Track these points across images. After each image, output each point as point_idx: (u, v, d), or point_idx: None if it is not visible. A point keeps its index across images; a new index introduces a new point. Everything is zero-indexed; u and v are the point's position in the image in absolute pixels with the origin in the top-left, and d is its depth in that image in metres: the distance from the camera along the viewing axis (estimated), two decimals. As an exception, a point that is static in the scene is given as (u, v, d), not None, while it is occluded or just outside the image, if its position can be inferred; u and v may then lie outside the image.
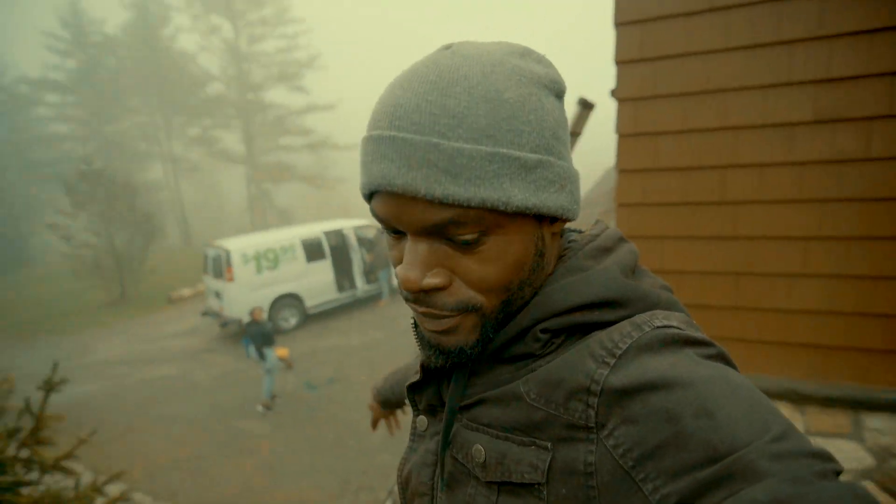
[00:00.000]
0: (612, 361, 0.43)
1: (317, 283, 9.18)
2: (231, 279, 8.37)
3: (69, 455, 2.92)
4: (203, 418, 6.11)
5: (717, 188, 2.29)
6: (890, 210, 2.01)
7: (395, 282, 10.19)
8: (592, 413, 0.43)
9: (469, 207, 0.44)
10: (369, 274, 10.07)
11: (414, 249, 0.47)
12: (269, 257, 8.78)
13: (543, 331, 0.49)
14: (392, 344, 7.88)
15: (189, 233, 27.22)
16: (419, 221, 0.45)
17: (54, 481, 3.48)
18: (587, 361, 0.44)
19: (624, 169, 2.49)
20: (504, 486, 0.48)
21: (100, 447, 5.28)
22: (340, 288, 9.67)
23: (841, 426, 2.14)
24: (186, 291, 13.64)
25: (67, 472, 2.96)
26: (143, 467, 5.04)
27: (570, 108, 3.58)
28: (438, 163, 0.43)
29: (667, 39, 2.29)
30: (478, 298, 0.49)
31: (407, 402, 0.66)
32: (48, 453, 3.05)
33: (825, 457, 0.36)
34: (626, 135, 2.46)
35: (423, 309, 0.49)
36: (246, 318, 8.18)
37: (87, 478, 4.18)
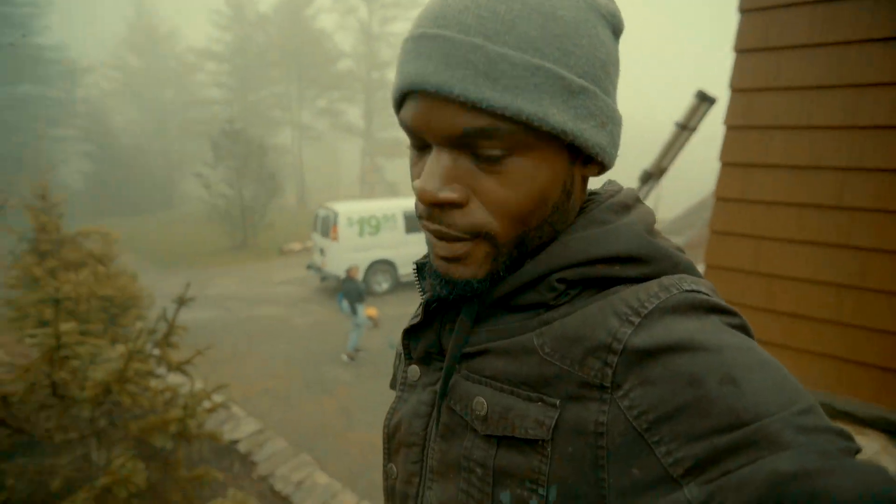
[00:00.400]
0: (637, 320, 0.42)
1: (412, 253, 9.61)
2: (335, 238, 9.08)
3: (188, 361, 3.47)
4: (295, 358, 6.77)
5: (833, 192, 2.12)
6: None
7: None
8: (610, 372, 0.41)
9: (503, 118, 0.42)
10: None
11: (436, 160, 0.45)
12: (372, 223, 9.37)
13: (560, 280, 0.47)
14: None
15: (304, 195, 29.53)
16: (449, 128, 0.43)
17: (175, 381, 4.11)
18: (610, 319, 0.43)
19: (727, 162, 2.38)
20: (504, 441, 0.47)
21: (210, 364, 6.08)
22: (434, 261, 10.07)
23: None
24: (296, 245, 15.01)
25: (185, 374, 3.52)
26: (241, 388, 5.74)
27: (686, 100, 3.42)
28: (479, 64, 0.41)
29: (793, 28, 2.13)
30: (493, 224, 0.46)
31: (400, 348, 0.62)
32: (173, 356, 3.64)
33: (848, 436, 0.36)
34: (735, 126, 2.34)
35: (434, 227, 0.47)
36: (343, 276, 8.87)
37: (198, 384, 4.90)
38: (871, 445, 1.95)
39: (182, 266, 13.56)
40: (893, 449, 1.99)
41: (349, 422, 5.12)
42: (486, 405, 0.48)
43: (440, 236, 0.47)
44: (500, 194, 0.45)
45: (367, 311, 6.75)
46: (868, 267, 2.04)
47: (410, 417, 0.57)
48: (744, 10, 2.27)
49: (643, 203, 0.54)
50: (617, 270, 0.46)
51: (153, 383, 3.52)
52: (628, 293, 0.44)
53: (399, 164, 30.79)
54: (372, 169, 29.78)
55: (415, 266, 0.59)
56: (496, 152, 0.43)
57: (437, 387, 0.54)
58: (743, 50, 2.29)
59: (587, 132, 0.45)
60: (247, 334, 7.74)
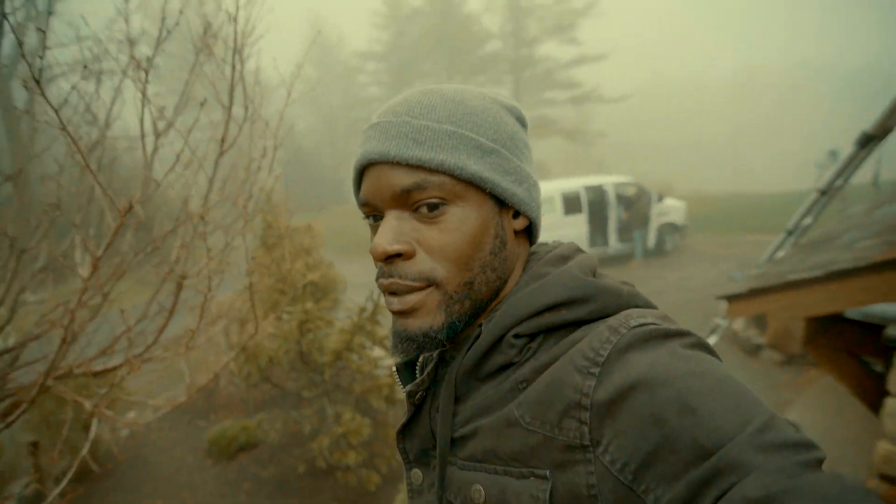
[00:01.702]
0: (597, 371, 0.44)
1: (570, 235, 9.53)
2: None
3: (386, 337, 4.10)
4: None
5: None
6: None
7: (650, 242, 9.89)
8: (587, 430, 0.43)
9: (431, 171, 0.51)
10: (623, 232, 9.97)
11: (386, 223, 0.53)
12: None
13: (516, 336, 0.51)
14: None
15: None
16: (392, 186, 0.52)
17: (377, 354, 4.88)
18: (573, 375, 0.45)
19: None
20: None
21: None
22: (593, 243, 9.88)
23: None
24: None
25: (385, 348, 4.16)
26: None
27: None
28: (409, 134, 0.52)
29: None
30: (439, 270, 0.52)
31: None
32: (378, 332, 4.31)
33: (809, 446, 0.37)
34: None
35: (388, 281, 0.53)
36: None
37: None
38: None
39: (357, 255, 15.40)
40: None
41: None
42: (483, 492, 0.50)
43: (393, 291, 0.53)
44: (441, 240, 0.52)
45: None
46: None
47: None
48: None
49: (582, 252, 0.60)
50: (564, 315, 0.50)
51: (356, 357, 4.23)
52: (584, 344, 0.47)
53: (548, 143, 30.27)
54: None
55: (394, 367, 0.64)
56: (433, 201, 0.52)
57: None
58: None
59: (504, 183, 0.54)
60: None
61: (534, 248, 0.62)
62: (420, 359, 0.61)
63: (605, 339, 0.46)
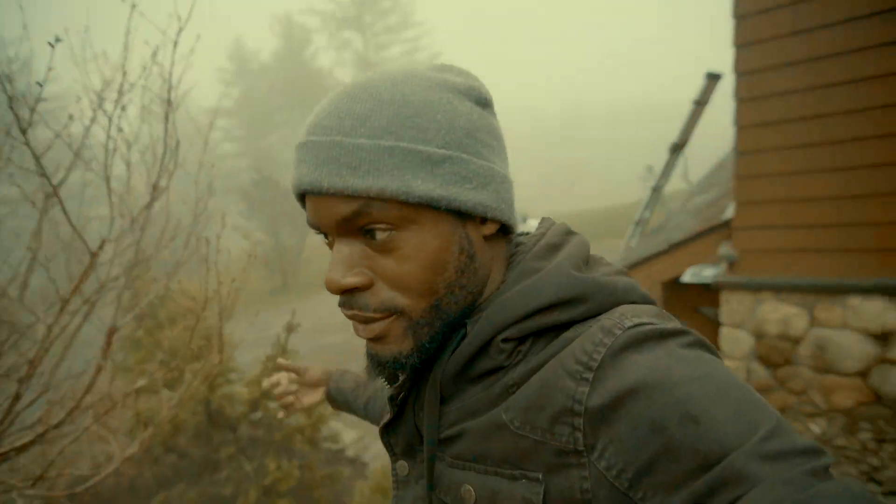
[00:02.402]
0: (590, 376, 0.42)
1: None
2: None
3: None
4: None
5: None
6: None
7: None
8: (580, 436, 0.41)
9: (370, 198, 0.45)
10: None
11: (337, 251, 0.48)
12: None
13: (505, 340, 0.48)
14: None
15: (328, 229, 30.47)
16: (332, 216, 0.46)
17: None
18: (565, 380, 0.43)
19: (743, 125, 2.89)
20: None
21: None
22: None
23: None
24: (338, 277, 15.74)
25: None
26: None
27: (699, 80, 3.97)
28: (340, 158, 0.44)
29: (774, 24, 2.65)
30: (400, 300, 0.48)
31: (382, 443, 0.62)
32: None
33: (816, 452, 0.35)
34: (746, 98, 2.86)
35: (349, 312, 0.49)
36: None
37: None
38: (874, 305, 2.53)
39: (236, 312, 14.38)
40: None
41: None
42: (473, 492, 0.48)
43: (357, 320, 0.49)
44: (397, 271, 0.47)
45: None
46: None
47: None
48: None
49: (574, 234, 0.55)
50: (556, 316, 0.47)
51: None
52: (576, 346, 0.44)
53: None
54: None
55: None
56: (382, 228, 0.46)
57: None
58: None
59: (462, 195, 0.47)
60: (321, 361, 8.35)
61: (519, 238, 0.57)
62: None
63: (598, 341, 0.43)
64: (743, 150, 2.90)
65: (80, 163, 1.73)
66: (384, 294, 0.48)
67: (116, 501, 4.59)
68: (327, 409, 4.15)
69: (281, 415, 1.03)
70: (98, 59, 1.61)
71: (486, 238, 0.52)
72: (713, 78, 3.95)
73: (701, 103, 4.02)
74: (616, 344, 0.42)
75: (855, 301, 2.59)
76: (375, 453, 4.83)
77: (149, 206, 1.82)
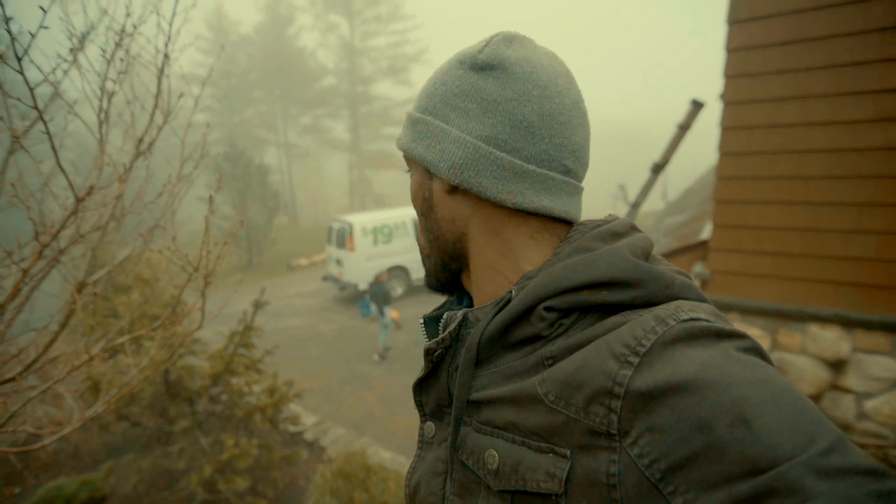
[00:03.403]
0: (636, 361, 0.41)
1: (422, 258, 10.12)
2: (352, 249, 9.60)
3: (261, 360, 3.98)
4: (329, 360, 7.26)
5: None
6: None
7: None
8: (615, 418, 0.40)
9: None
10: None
11: None
12: (385, 232, 9.91)
13: (548, 309, 0.47)
14: (488, 317, 8.63)
15: (295, 213, 29.92)
16: None
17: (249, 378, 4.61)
18: (608, 362, 0.42)
19: (725, 152, 3.02)
20: (518, 496, 0.47)
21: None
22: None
23: (879, 345, 2.65)
24: (303, 261, 15.48)
25: (259, 371, 4.02)
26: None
27: (685, 107, 4.12)
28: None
29: (765, 60, 2.80)
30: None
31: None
32: (254, 354, 4.11)
33: (882, 474, 0.32)
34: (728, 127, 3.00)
35: None
36: (362, 285, 9.39)
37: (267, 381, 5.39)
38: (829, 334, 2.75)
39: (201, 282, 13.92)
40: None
41: (391, 409, 5.64)
42: (497, 458, 0.48)
43: None
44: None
45: (391, 313, 7.28)
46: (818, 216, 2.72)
47: (429, 476, 0.57)
48: (729, 50, 2.94)
49: (638, 231, 0.55)
50: (604, 296, 0.46)
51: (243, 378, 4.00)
52: (624, 330, 0.43)
53: (386, 175, 31.37)
54: (360, 182, 30.31)
55: (422, 320, 0.63)
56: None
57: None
58: (730, 76, 2.93)
59: (416, 150, 0.57)
60: (278, 343, 8.20)
61: (582, 221, 0.58)
62: (444, 315, 0.59)
63: (650, 328, 0.42)
64: (723, 175, 3.04)
65: (63, 107, 1.65)
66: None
67: (59, 466, 4.39)
68: (290, 389, 4.10)
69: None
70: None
71: (451, 194, 0.57)
72: (697, 105, 4.11)
73: (683, 128, 4.18)
74: (669, 334, 0.41)
75: (814, 328, 2.78)
76: (334, 438, 4.80)
77: (136, 158, 1.75)
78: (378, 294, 7.07)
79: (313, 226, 25.95)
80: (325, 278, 10.70)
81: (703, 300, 0.49)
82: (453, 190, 0.56)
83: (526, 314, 0.49)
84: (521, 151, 0.53)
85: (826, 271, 2.76)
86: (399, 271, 10.10)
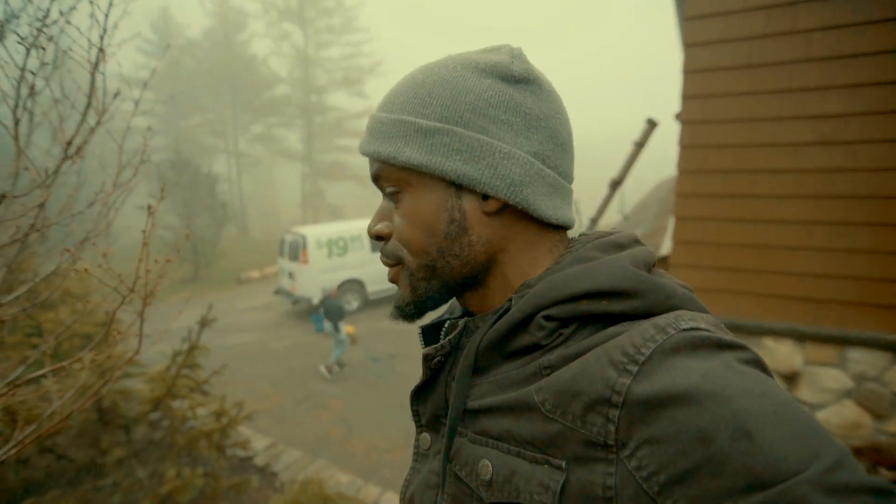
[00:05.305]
0: (635, 369, 0.40)
1: (378, 271, 9.91)
2: (306, 262, 9.29)
3: (206, 381, 3.73)
4: (281, 379, 6.93)
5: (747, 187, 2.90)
6: (866, 204, 2.64)
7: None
8: (612, 428, 0.39)
9: (378, 161, 0.53)
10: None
11: (379, 207, 0.58)
12: (340, 245, 9.66)
13: (548, 318, 0.47)
14: (446, 331, 8.54)
15: (245, 224, 28.93)
16: (370, 175, 0.57)
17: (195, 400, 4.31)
18: (607, 370, 0.41)
19: (683, 169, 3.10)
20: None
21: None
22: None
23: (829, 357, 2.78)
24: (255, 273, 14.87)
25: (205, 393, 3.77)
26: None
27: (640, 125, 4.25)
28: (372, 128, 0.54)
29: (718, 83, 2.91)
30: (401, 252, 0.54)
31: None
32: (200, 375, 3.85)
33: (886, 491, 0.32)
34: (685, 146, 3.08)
35: (381, 257, 0.58)
36: (316, 299, 9.09)
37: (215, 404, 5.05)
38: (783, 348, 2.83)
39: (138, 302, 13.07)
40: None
41: (349, 429, 5.41)
42: (490, 468, 0.47)
43: (384, 263, 0.58)
44: (400, 226, 0.54)
45: (346, 328, 7.06)
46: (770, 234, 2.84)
47: (423, 489, 0.57)
48: (686, 71, 3.02)
49: (641, 243, 0.54)
50: (604, 306, 0.45)
51: (187, 401, 3.72)
52: (623, 338, 0.42)
53: (340, 187, 30.91)
54: (313, 193, 29.70)
55: (420, 330, 0.62)
56: (390, 188, 0.54)
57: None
58: (687, 97, 3.01)
59: (448, 165, 0.49)
60: (224, 362, 7.77)
61: (584, 232, 0.58)
62: (446, 323, 0.59)
63: (649, 336, 0.41)
64: (682, 193, 3.12)
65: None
66: (393, 244, 0.55)
67: (-38, 509, 3.90)
68: (239, 412, 3.84)
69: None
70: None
71: (492, 215, 0.52)
72: (652, 124, 4.24)
73: (639, 145, 4.30)
74: (669, 343, 0.40)
75: (769, 342, 2.87)
76: (287, 462, 4.53)
77: (63, 162, 1.55)
78: (331, 310, 6.84)
79: (265, 238, 25.11)
80: (278, 292, 10.31)
81: (704, 311, 0.48)
82: (501, 209, 0.52)
83: (525, 322, 0.48)
84: (558, 167, 0.54)
85: (777, 286, 2.86)
86: (354, 284, 9.86)
